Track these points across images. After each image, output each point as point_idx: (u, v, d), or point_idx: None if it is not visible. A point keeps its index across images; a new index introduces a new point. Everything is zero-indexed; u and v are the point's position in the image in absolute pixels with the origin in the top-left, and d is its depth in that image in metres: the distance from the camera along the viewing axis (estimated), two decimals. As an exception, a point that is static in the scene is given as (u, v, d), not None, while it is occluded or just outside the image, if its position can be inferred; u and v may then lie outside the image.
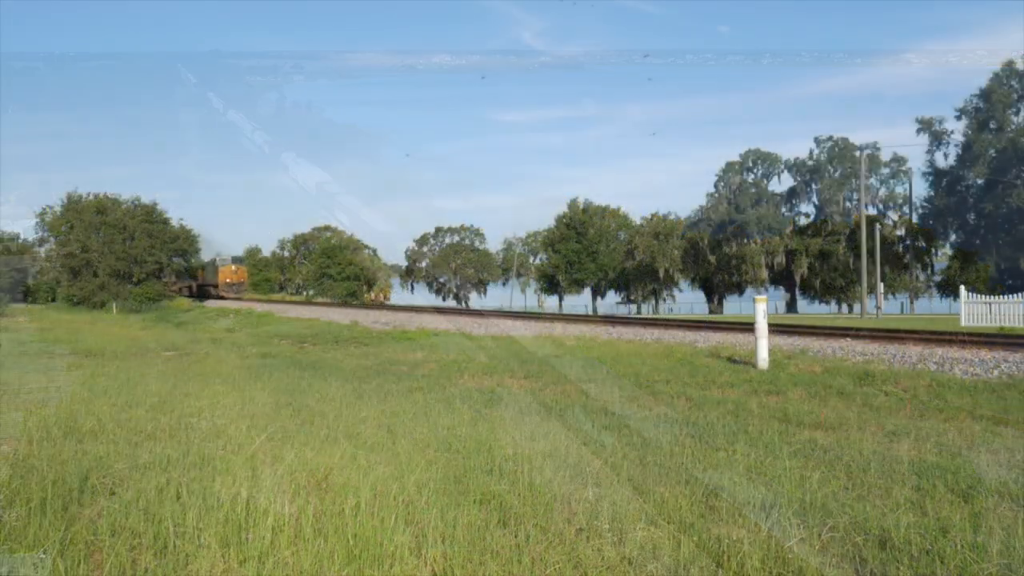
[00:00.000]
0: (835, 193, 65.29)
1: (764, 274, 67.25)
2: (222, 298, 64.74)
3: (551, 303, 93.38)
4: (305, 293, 78.74)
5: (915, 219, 58.08)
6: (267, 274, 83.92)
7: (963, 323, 25.45)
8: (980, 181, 50.18)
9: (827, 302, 68.14)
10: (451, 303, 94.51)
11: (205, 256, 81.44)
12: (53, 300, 74.84)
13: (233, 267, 69.35)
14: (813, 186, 68.14)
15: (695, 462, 6.23)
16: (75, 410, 8.27)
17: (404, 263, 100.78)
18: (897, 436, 7.45)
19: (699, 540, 4.08)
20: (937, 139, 54.20)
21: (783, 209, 70.33)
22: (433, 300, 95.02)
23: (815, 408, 9.02)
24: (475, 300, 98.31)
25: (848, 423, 8.12)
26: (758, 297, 12.94)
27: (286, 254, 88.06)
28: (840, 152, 65.34)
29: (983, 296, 27.98)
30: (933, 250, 60.52)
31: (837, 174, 65.80)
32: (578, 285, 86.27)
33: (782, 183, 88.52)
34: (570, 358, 14.10)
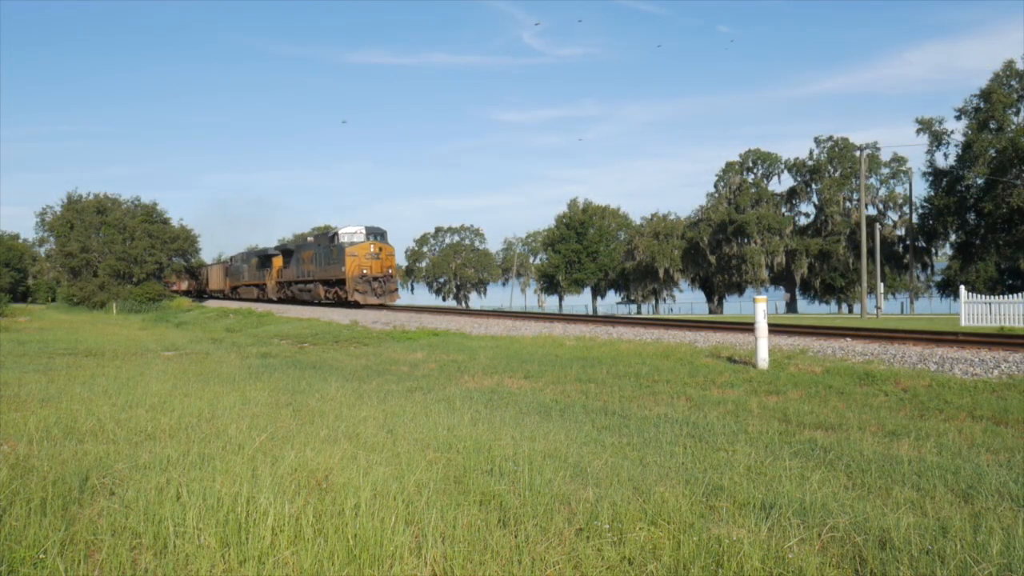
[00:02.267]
0: (835, 193, 65.22)
1: (764, 274, 67.30)
2: (355, 305, 36.79)
3: (551, 303, 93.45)
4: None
5: (915, 219, 58.04)
6: None
7: (963, 323, 25.46)
8: (980, 181, 50.11)
9: (827, 302, 68.22)
10: (451, 303, 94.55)
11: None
12: (53, 300, 74.95)
13: (372, 247, 37.58)
14: (813, 186, 68.07)
15: (695, 462, 6.23)
16: (75, 410, 8.28)
17: (404, 263, 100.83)
18: (897, 436, 7.45)
19: (699, 540, 4.08)
20: (937, 139, 54.11)
21: (783, 209, 70.27)
22: (433, 300, 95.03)
23: (815, 408, 9.02)
24: (475, 300, 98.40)
25: (848, 423, 8.11)
26: (758, 297, 12.93)
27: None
28: (840, 152, 65.25)
29: (983, 296, 28.00)
30: (933, 250, 60.52)
31: (837, 174, 65.75)
32: (578, 285, 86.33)
33: (782, 183, 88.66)
34: (570, 358, 14.09)
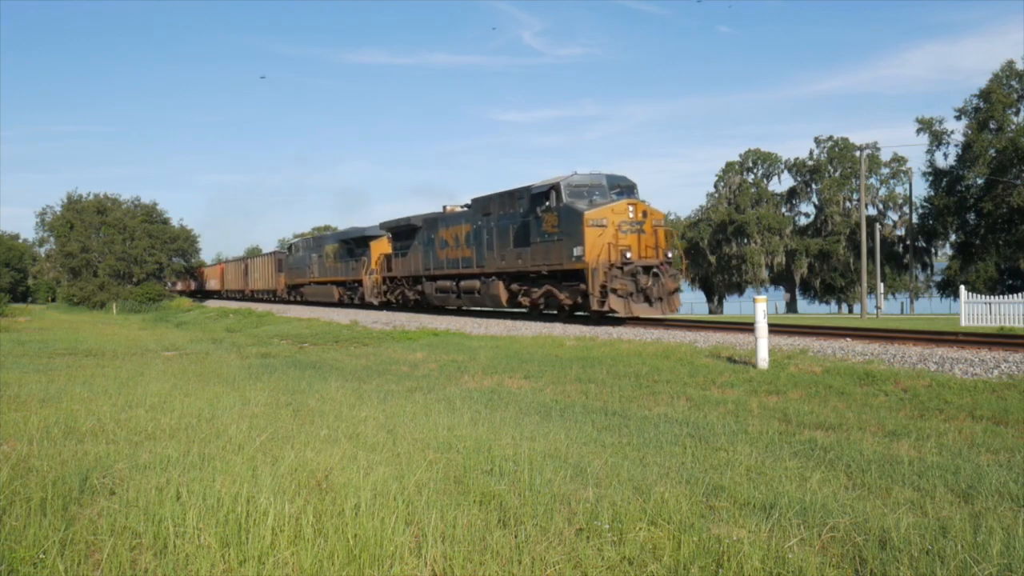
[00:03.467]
0: (835, 193, 65.28)
1: (764, 274, 67.33)
2: (609, 319, 20.54)
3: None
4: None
5: (915, 219, 58.05)
6: None
7: (963, 323, 25.46)
8: (980, 181, 50.14)
9: (827, 302, 68.26)
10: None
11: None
12: (53, 300, 75.00)
13: (630, 210, 19.75)
14: (813, 186, 68.12)
15: (695, 462, 6.23)
16: (75, 410, 8.28)
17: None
18: (897, 436, 7.45)
19: (699, 540, 4.08)
20: (937, 139, 54.16)
21: (783, 209, 70.29)
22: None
23: (815, 408, 9.02)
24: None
25: (848, 423, 8.12)
26: (758, 297, 12.93)
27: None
28: (840, 152, 65.33)
29: (983, 296, 28.01)
30: (933, 250, 60.57)
31: (837, 174, 65.78)
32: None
33: (782, 183, 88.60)
34: (570, 358, 14.09)
